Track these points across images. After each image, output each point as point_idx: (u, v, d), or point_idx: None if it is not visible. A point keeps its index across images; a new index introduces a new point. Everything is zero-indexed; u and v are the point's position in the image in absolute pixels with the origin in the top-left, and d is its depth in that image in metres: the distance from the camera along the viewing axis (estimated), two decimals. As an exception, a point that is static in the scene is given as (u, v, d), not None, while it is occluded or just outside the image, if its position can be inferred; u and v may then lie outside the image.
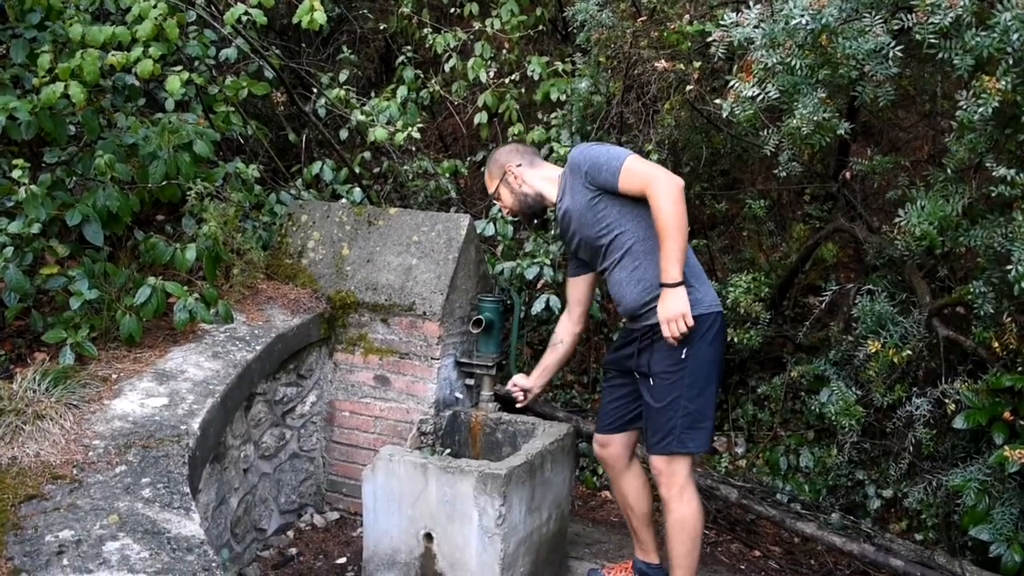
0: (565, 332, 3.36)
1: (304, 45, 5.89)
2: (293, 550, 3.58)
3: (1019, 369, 3.36)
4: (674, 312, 2.81)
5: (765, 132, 3.34)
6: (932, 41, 2.78)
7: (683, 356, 2.88)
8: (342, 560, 3.52)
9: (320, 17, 3.52)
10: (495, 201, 3.33)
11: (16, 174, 3.10)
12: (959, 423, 3.41)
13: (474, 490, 2.95)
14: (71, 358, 2.97)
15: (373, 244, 3.87)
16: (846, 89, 3.37)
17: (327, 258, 3.91)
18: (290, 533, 3.70)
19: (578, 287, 3.28)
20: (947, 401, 3.44)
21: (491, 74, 4.87)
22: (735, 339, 4.23)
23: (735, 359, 4.77)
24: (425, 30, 5.10)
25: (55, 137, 3.36)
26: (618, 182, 2.84)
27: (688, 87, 4.07)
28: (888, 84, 3.06)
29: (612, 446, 3.18)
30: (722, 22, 3.14)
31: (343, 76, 5.09)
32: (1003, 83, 2.74)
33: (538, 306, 4.19)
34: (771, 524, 4.04)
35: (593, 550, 3.74)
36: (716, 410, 3.28)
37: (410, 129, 4.23)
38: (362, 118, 4.39)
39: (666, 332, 2.84)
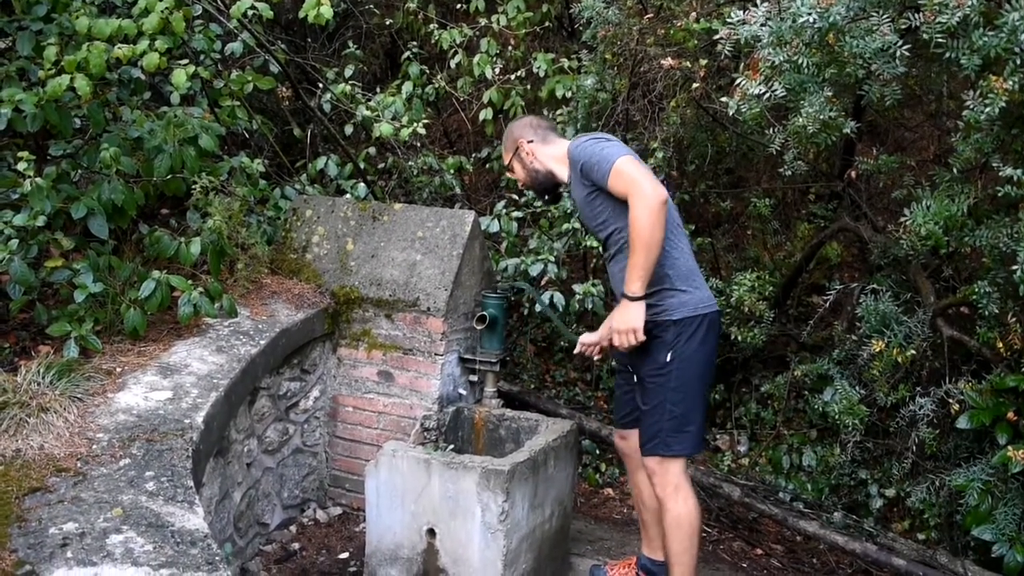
0: None
1: (310, 40, 5.89)
2: (296, 545, 3.58)
3: (1023, 369, 3.36)
4: (625, 326, 2.82)
5: (771, 131, 3.34)
6: (939, 41, 2.78)
7: (667, 360, 2.87)
8: (344, 555, 3.53)
9: (327, 11, 3.51)
10: (509, 174, 3.31)
11: (21, 167, 3.10)
12: (962, 423, 3.41)
13: (477, 486, 2.96)
14: (75, 351, 2.98)
15: (377, 240, 3.87)
16: (852, 88, 3.37)
17: (331, 253, 3.91)
18: (293, 528, 3.71)
19: None
20: (951, 401, 3.44)
21: (497, 70, 4.86)
22: (738, 337, 4.23)
23: (738, 357, 4.77)
24: (431, 26, 5.09)
25: (60, 130, 3.36)
26: (607, 183, 2.82)
27: (694, 85, 4.06)
28: (895, 83, 3.06)
29: (630, 439, 3.18)
30: (729, 20, 3.13)
31: (348, 71, 5.09)
32: (1010, 83, 2.73)
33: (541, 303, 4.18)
34: (773, 523, 4.04)
35: (595, 547, 3.74)
36: (707, 410, 3.26)
37: (415, 125, 4.22)
38: (367, 113, 4.39)
39: (615, 341, 2.87)
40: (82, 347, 3.01)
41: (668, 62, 3.93)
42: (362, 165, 4.69)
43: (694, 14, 4.12)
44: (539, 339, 5.40)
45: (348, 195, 4.48)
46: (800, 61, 2.97)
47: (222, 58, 4.46)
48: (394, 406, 3.75)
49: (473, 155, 5.43)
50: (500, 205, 4.61)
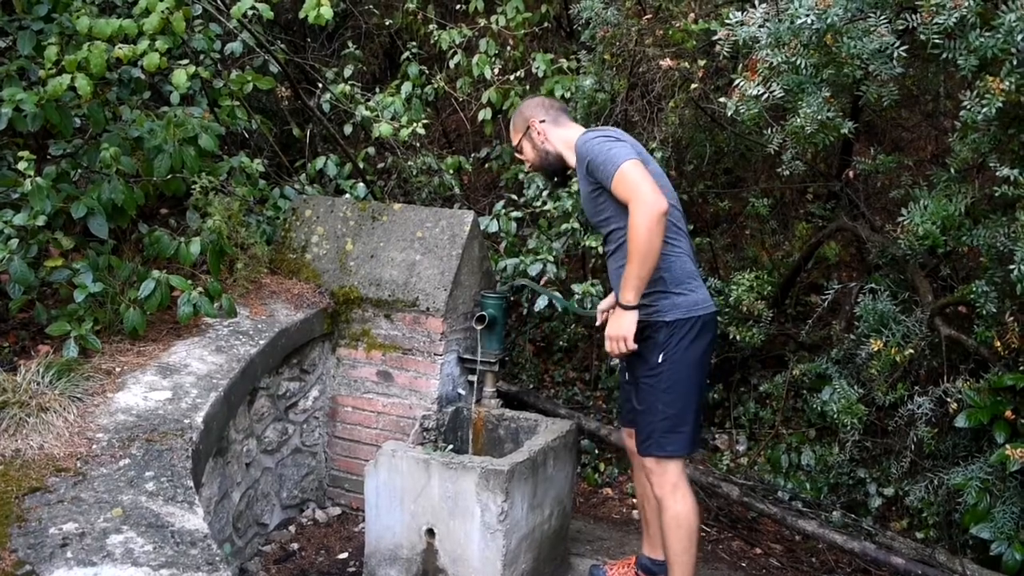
0: None
1: (309, 40, 5.89)
2: (295, 545, 3.59)
3: (1021, 368, 3.37)
4: (617, 334, 2.82)
5: (769, 131, 3.34)
6: (936, 41, 2.78)
7: (659, 361, 2.88)
8: (344, 555, 3.53)
9: (327, 12, 3.52)
10: (517, 155, 3.28)
11: (22, 166, 3.10)
12: (961, 422, 3.41)
13: (476, 486, 2.96)
14: (75, 351, 2.98)
15: (377, 240, 3.88)
16: (850, 88, 3.37)
17: (331, 253, 3.92)
18: (292, 528, 3.71)
19: None
20: (949, 400, 3.44)
21: (496, 71, 4.87)
22: (737, 337, 4.23)
23: (737, 357, 4.78)
24: (430, 26, 5.10)
25: (61, 129, 3.36)
26: (611, 185, 2.82)
27: (692, 85, 4.07)
28: (892, 84, 3.06)
29: (635, 437, 3.18)
30: (727, 21, 3.14)
31: (348, 71, 5.09)
32: (1007, 84, 2.74)
33: (541, 303, 4.20)
34: (772, 522, 4.05)
35: (594, 547, 3.75)
36: (702, 411, 3.26)
37: (414, 125, 4.23)
38: (367, 113, 4.40)
39: (607, 347, 2.89)
40: (82, 347, 3.01)
41: (667, 63, 3.94)
42: (361, 165, 4.70)
43: (692, 15, 4.12)
44: (538, 339, 5.40)
45: (347, 195, 4.49)
46: (798, 62, 2.97)
47: (222, 58, 4.47)
48: (393, 406, 3.76)
49: (472, 155, 5.44)
50: (499, 205, 4.61)
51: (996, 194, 3.09)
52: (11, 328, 3.21)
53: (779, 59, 2.98)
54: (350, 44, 5.30)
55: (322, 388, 3.84)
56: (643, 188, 2.73)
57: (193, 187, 3.56)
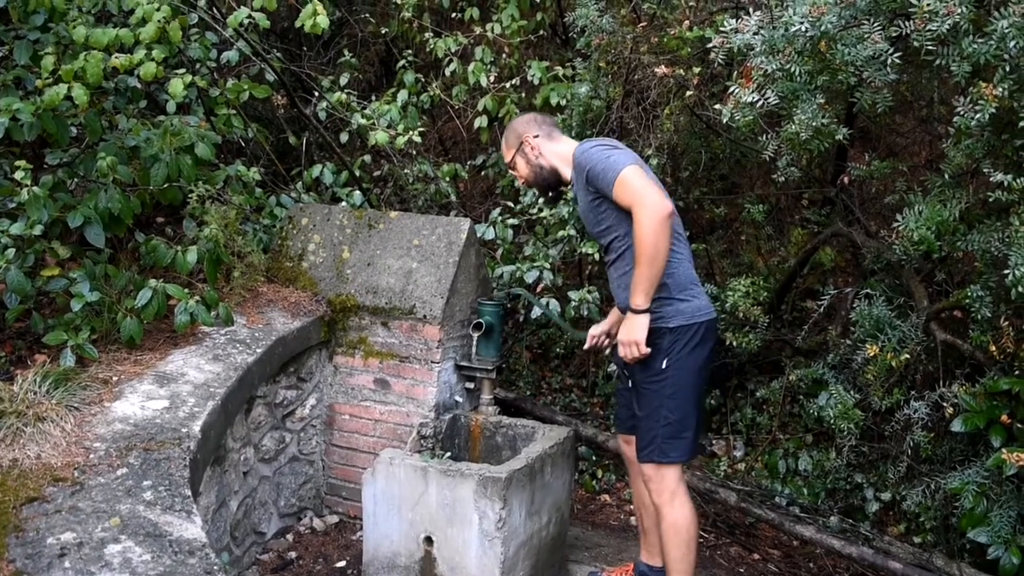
0: None
1: (305, 48, 5.91)
2: (292, 554, 3.58)
3: (1016, 373, 3.38)
4: (629, 338, 2.84)
5: (764, 137, 3.35)
6: (930, 48, 2.80)
7: (663, 367, 2.88)
8: (342, 564, 3.53)
9: (323, 21, 3.53)
10: (510, 171, 3.29)
11: (18, 175, 3.11)
12: (957, 426, 3.42)
13: (474, 494, 2.96)
14: (72, 360, 2.98)
15: (373, 247, 3.88)
16: (845, 95, 3.39)
17: (327, 261, 3.92)
18: (289, 536, 3.70)
19: None
20: (945, 404, 3.45)
21: (491, 78, 4.88)
22: (734, 343, 4.24)
23: (734, 363, 4.78)
24: (426, 34, 5.11)
25: (57, 139, 3.37)
26: (612, 192, 2.82)
27: (688, 92, 4.08)
28: (886, 90, 3.08)
29: (633, 444, 3.18)
30: (722, 28, 3.16)
31: (344, 79, 5.10)
32: (1000, 90, 2.76)
33: (537, 310, 4.20)
34: (770, 527, 4.05)
35: (592, 553, 3.75)
36: (705, 416, 3.27)
37: (411, 133, 4.24)
38: (363, 121, 4.41)
39: (620, 352, 2.90)
40: (79, 356, 3.01)
41: (662, 70, 3.95)
42: (358, 173, 4.71)
43: (687, 22, 4.14)
44: (535, 346, 5.41)
45: (344, 203, 4.49)
46: (792, 69, 2.99)
47: (218, 67, 4.47)
48: (391, 414, 3.76)
49: (468, 162, 5.45)
50: (495, 212, 4.62)
51: (990, 199, 3.11)
52: (8, 338, 3.21)
53: (774, 66, 2.99)
54: (346, 52, 5.31)
55: (319, 396, 3.84)
56: (647, 192, 2.74)
57: (190, 196, 3.57)
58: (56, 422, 2.64)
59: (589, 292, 4.21)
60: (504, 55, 5.06)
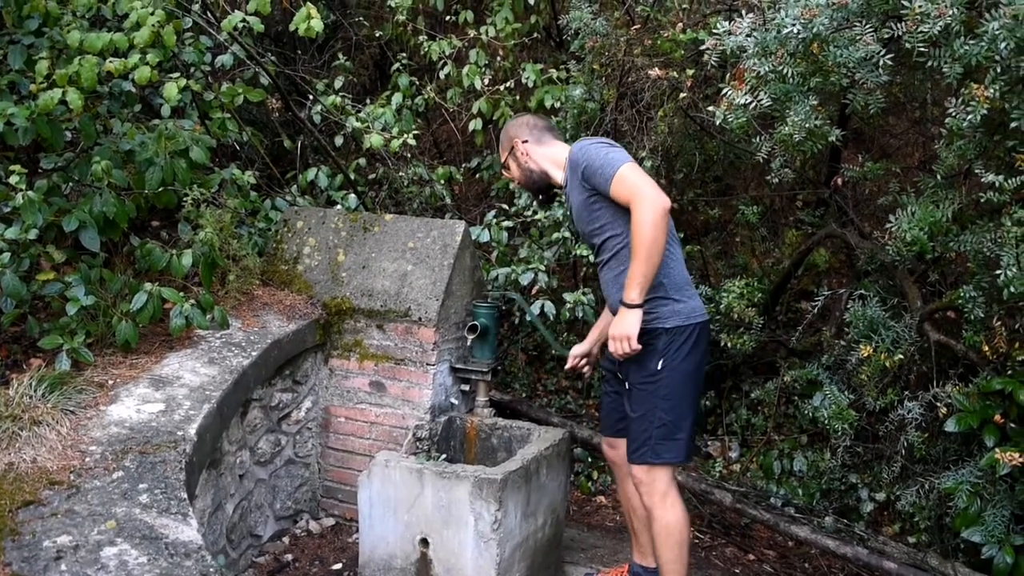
0: None
1: (299, 52, 5.90)
2: (289, 556, 3.58)
3: (1009, 373, 3.40)
4: (621, 333, 2.82)
5: (758, 139, 3.37)
6: (921, 49, 2.82)
7: (658, 368, 2.88)
8: (338, 566, 3.53)
9: (317, 25, 3.53)
10: (504, 172, 3.32)
11: (13, 180, 3.10)
12: (950, 426, 3.44)
13: (470, 495, 2.97)
14: (67, 364, 2.98)
15: (368, 250, 3.89)
16: (837, 96, 3.41)
17: (323, 264, 3.93)
18: (286, 539, 3.71)
19: None
20: (938, 405, 3.47)
21: (486, 81, 4.89)
22: (728, 344, 4.25)
23: (728, 364, 4.80)
24: (420, 37, 5.12)
25: (52, 143, 3.37)
26: (609, 188, 2.83)
27: (681, 94, 4.10)
28: (879, 91, 3.10)
29: (619, 448, 3.18)
30: (715, 30, 3.17)
31: (338, 83, 5.11)
32: (991, 91, 2.78)
33: (532, 312, 4.20)
34: (765, 528, 4.06)
35: (588, 555, 3.75)
36: (698, 417, 3.28)
37: (405, 136, 4.25)
38: (357, 124, 4.41)
39: (611, 347, 2.89)
40: (74, 360, 3.01)
41: (655, 72, 3.97)
42: (352, 176, 4.71)
43: (680, 25, 4.16)
44: (530, 348, 5.41)
45: (339, 206, 4.50)
46: (785, 71, 3.01)
47: (212, 70, 4.47)
48: (386, 416, 3.76)
49: (463, 165, 5.45)
50: (490, 215, 4.63)
51: (982, 200, 3.13)
52: (3, 342, 3.20)
53: (766, 68, 3.01)
54: (340, 56, 5.32)
55: (315, 399, 3.84)
56: (645, 187, 2.76)
57: (185, 199, 3.57)
58: (52, 426, 2.64)
59: (584, 294, 4.22)
60: (498, 58, 5.07)
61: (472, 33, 5.02)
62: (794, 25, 2.88)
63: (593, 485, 4.63)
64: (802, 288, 5.01)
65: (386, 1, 5.30)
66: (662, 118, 4.27)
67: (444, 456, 3.48)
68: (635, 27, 4.29)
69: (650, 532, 3.01)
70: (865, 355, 3.57)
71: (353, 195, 4.57)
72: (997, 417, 3.34)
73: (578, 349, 3.37)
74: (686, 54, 4.17)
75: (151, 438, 2.67)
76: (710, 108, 3.43)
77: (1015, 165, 3.00)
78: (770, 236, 5.18)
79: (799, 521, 3.84)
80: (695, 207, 5.23)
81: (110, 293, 3.26)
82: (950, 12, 2.72)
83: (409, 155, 4.99)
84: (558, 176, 3.12)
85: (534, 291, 4.32)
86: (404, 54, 5.12)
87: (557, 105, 4.72)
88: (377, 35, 5.61)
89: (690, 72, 4.06)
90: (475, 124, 4.93)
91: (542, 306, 4.16)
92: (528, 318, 4.12)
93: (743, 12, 3.14)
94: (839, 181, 4.33)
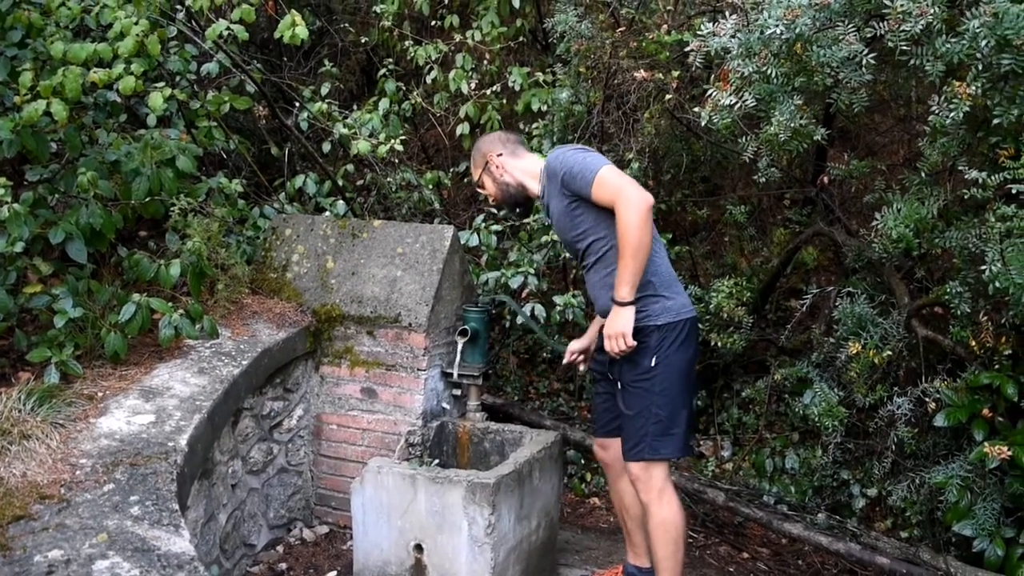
0: None
1: (285, 59, 5.90)
2: (283, 565, 3.57)
3: (996, 367, 3.42)
4: (615, 330, 2.85)
5: (744, 139, 3.39)
6: (904, 48, 2.84)
7: (652, 364, 2.90)
8: (332, 574, 3.52)
9: (302, 32, 3.53)
10: (479, 189, 3.33)
11: (-2, 193, 3.09)
12: (940, 421, 3.46)
13: (463, 500, 2.97)
14: (56, 377, 2.96)
15: (357, 257, 3.88)
16: (822, 96, 3.43)
17: (312, 271, 3.92)
18: (279, 548, 3.70)
19: None
20: (927, 400, 3.49)
21: (473, 85, 4.90)
22: (718, 343, 4.27)
23: (719, 363, 4.81)
24: (406, 42, 5.12)
25: (37, 155, 3.35)
26: (591, 192, 2.85)
27: (667, 96, 4.12)
28: (863, 90, 3.12)
29: (611, 449, 3.20)
30: (699, 32, 3.19)
31: (325, 89, 5.10)
32: (973, 88, 2.80)
33: (521, 317, 4.20)
34: (758, 526, 4.08)
35: (583, 556, 3.76)
36: (693, 413, 3.29)
37: (393, 141, 4.24)
38: (344, 131, 4.41)
39: (607, 346, 2.91)
40: (63, 372, 3.00)
41: (641, 74, 3.98)
42: (340, 182, 4.71)
43: (665, 26, 4.18)
44: (522, 351, 5.42)
45: (327, 213, 4.49)
46: (769, 71, 3.02)
47: (198, 79, 4.46)
48: (378, 422, 3.76)
49: (451, 170, 5.46)
50: (479, 219, 4.63)
51: (966, 196, 3.15)
52: (-9, 355, 3.19)
53: (750, 69, 3.03)
54: (326, 62, 5.32)
55: (306, 407, 3.84)
56: (627, 186, 2.80)
57: (172, 209, 3.56)
58: (41, 439, 2.63)
59: (574, 296, 4.22)
60: (485, 62, 5.08)
61: (458, 37, 5.03)
62: (777, 26, 2.90)
63: (587, 487, 4.63)
64: (791, 286, 5.04)
65: (372, 7, 5.30)
66: (648, 120, 4.29)
67: (437, 461, 3.47)
68: (620, 29, 4.31)
69: (645, 530, 3.03)
70: (854, 352, 3.59)
71: (341, 202, 4.56)
72: (985, 411, 3.37)
73: (576, 345, 3.37)
74: (671, 56, 4.18)
75: (142, 450, 2.66)
76: (696, 109, 3.44)
77: (998, 161, 3.03)
78: (758, 235, 5.20)
79: (792, 518, 3.86)
80: (683, 208, 5.24)
81: (98, 305, 3.25)
82: (932, 11, 2.74)
83: (397, 161, 4.98)
84: (535, 188, 3.15)
85: (524, 294, 4.32)
86: (390, 59, 5.12)
87: (544, 108, 4.73)
88: (363, 41, 5.61)
89: (675, 74, 4.08)
90: (462, 128, 4.93)
91: (532, 309, 4.17)
92: (520, 319, 4.13)
93: (727, 13, 3.15)
94: (825, 180, 4.35)
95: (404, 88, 5.06)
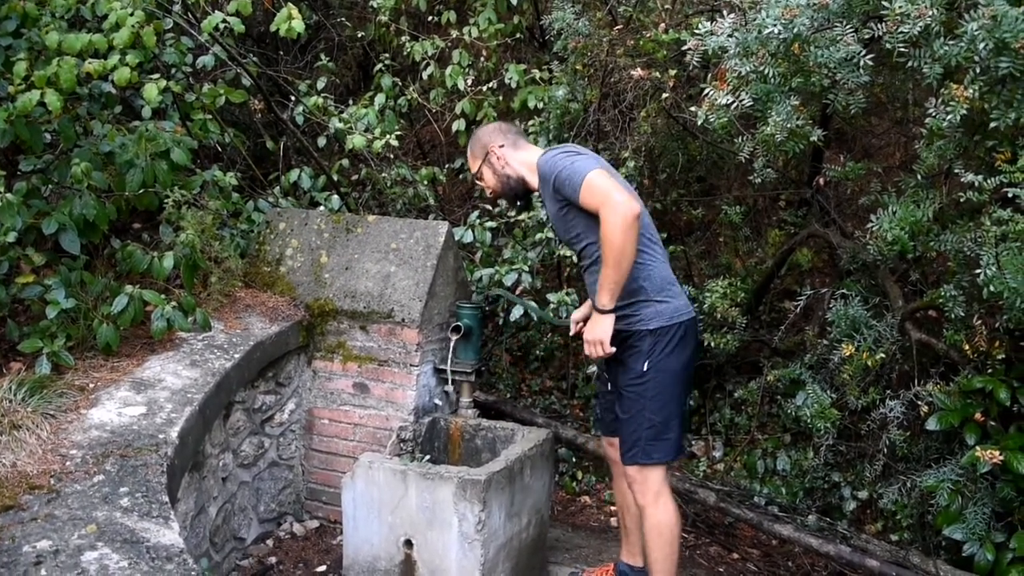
0: None
1: (282, 52, 5.88)
2: (273, 559, 3.57)
3: (990, 371, 3.42)
4: (594, 337, 2.85)
5: (740, 139, 3.38)
6: (902, 50, 2.83)
7: (644, 369, 2.89)
8: (322, 568, 3.51)
9: (298, 26, 3.52)
10: (477, 181, 3.29)
11: (-9, 182, 3.08)
12: (932, 425, 3.46)
13: (454, 496, 2.96)
14: (47, 367, 2.95)
15: (351, 251, 3.87)
16: (819, 97, 3.42)
17: (305, 266, 3.91)
18: (269, 542, 3.69)
19: None
20: (920, 403, 3.49)
21: (469, 82, 4.89)
22: (712, 344, 4.27)
23: (712, 364, 4.81)
24: (403, 38, 5.11)
25: (31, 145, 3.34)
26: (579, 198, 2.81)
27: (664, 95, 4.11)
28: (860, 92, 3.11)
29: (616, 446, 3.19)
30: (697, 31, 3.18)
31: (321, 83, 5.09)
32: (971, 91, 2.80)
33: (516, 312, 4.20)
34: (749, 527, 4.08)
35: (573, 555, 3.76)
36: (687, 416, 3.28)
37: (388, 136, 4.23)
38: (340, 125, 4.40)
39: (585, 350, 2.90)
40: (54, 363, 2.99)
41: (638, 72, 3.98)
42: (335, 177, 4.70)
43: (663, 25, 4.17)
44: (515, 348, 5.41)
45: (322, 207, 4.48)
46: (766, 71, 3.02)
47: (194, 71, 4.44)
48: (370, 418, 3.75)
49: (446, 166, 5.45)
50: (474, 215, 4.63)
51: (962, 200, 3.15)
52: (-19, 345, 3.18)
53: (748, 68, 3.02)
54: (323, 56, 5.30)
55: (298, 401, 3.83)
56: (612, 193, 2.73)
57: (166, 201, 3.54)
58: (32, 430, 2.62)
59: (568, 295, 4.22)
60: (481, 58, 5.07)
61: (455, 33, 5.02)
62: (775, 25, 2.89)
63: (577, 485, 4.63)
64: (785, 288, 5.03)
65: (369, 1, 5.28)
66: (645, 118, 4.28)
67: (428, 457, 3.47)
68: (618, 27, 4.30)
69: (641, 531, 3.02)
70: (847, 354, 3.59)
71: (336, 196, 4.55)
72: (978, 415, 3.37)
73: (578, 314, 3.33)
74: (668, 54, 4.18)
75: (132, 441, 2.65)
76: (692, 108, 3.44)
77: (994, 165, 3.03)
78: (753, 236, 5.20)
79: (782, 520, 3.86)
80: (678, 207, 5.24)
81: (91, 296, 3.24)
82: (930, 13, 2.73)
83: (392, 156, 4.98)
84: (534, 181, 3.11)
85: (518, 292, 4.31)
86: (387, 55, 5.11)
87: (540, 106, 4.72)
88: (360, 36, 5.60)
89: (672, 72, 4.07)
90: (458, 125, 4.92)
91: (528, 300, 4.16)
92: (518, 311, 4.10)
93: (724, 13, 3.15)
94: (821, 181, 4.35)
95: (400, 84, 5.05)
